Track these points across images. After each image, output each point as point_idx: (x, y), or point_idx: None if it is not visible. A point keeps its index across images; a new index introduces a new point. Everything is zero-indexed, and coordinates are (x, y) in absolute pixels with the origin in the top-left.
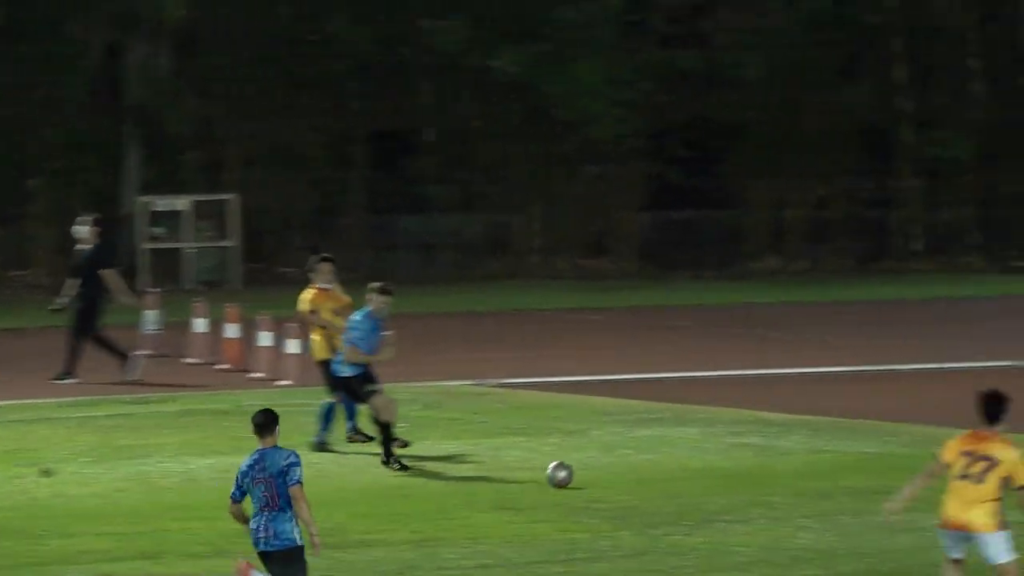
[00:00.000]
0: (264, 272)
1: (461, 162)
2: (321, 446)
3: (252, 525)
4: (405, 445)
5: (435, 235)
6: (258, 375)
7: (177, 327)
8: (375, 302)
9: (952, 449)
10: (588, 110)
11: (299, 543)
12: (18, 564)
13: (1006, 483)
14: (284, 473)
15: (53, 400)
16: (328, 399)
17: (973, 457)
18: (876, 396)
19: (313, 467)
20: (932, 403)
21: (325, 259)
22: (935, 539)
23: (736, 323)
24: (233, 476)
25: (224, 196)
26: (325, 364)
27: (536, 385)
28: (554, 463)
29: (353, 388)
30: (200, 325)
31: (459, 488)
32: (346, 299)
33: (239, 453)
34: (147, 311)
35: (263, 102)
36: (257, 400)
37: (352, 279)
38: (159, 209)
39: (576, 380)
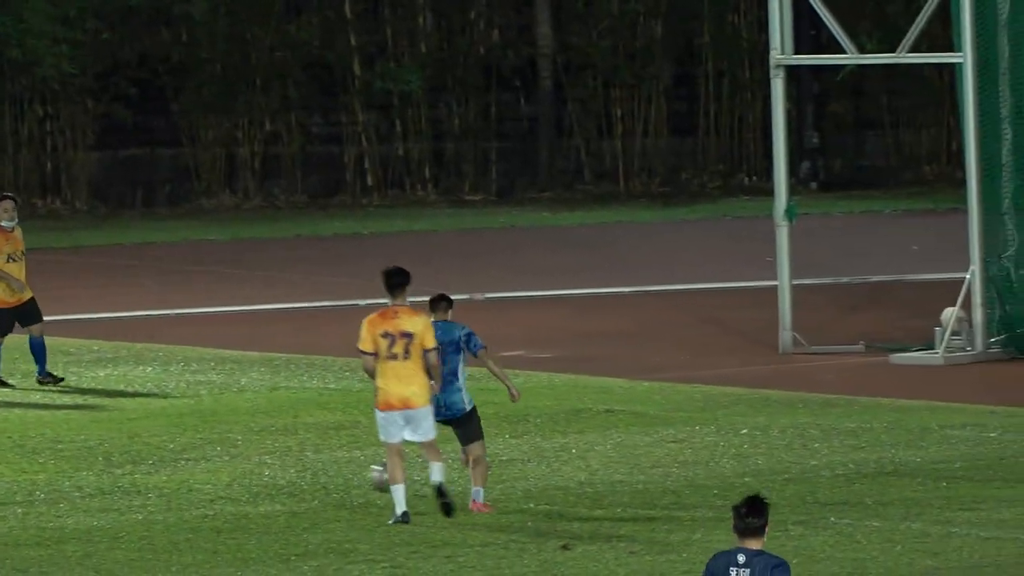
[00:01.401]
0: None
1: None
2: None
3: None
4: None
5: None
6: None
7: None
8: None
9: (370, 337)
10: (35, 50)
11: (469, 408)
12: None
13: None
14: (462, 342)
15: None
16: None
17: (393, 337)
18: (332, 332)
19: None
20: None
21: (5, 196)
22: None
23: (191, 261)
24: None
25: None
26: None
27: None
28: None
29: None
30: None
31: None
32: (23, 244)
33: None
34: None
35: None
36: None
37: None
38: None
39: None
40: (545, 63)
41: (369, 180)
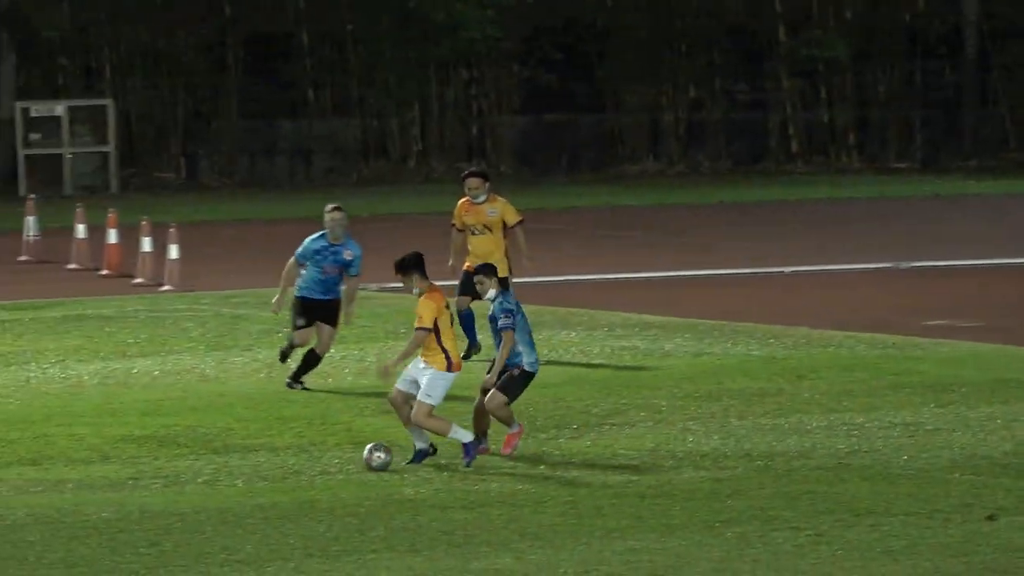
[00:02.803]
0: (140, 177)
1: (336, 66)
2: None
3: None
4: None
5: (311, 139)
6: (140, 280)
7: (58, 233)
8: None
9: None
10: (461, 13)
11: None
12: None
13: None
14: None
15: None
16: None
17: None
18: (757, 298)
19: (195, 372)
20: (813, 305)
21: (470, 174)
22: (825, 439)
23: (614, 226)
24: (115, 382)
25: (100, 101)
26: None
27: None
28: (371, 445)
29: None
30: (81, 231)
31: (342, 393)
32: (491, 218)
33: (123, 358)
34: (28, 217)
35: (138, 7)
36: (140, 306)
37: (227, 184)
38: (36, 115)
39: (455, 284)
40: (970, 31)
41: (793, 147)
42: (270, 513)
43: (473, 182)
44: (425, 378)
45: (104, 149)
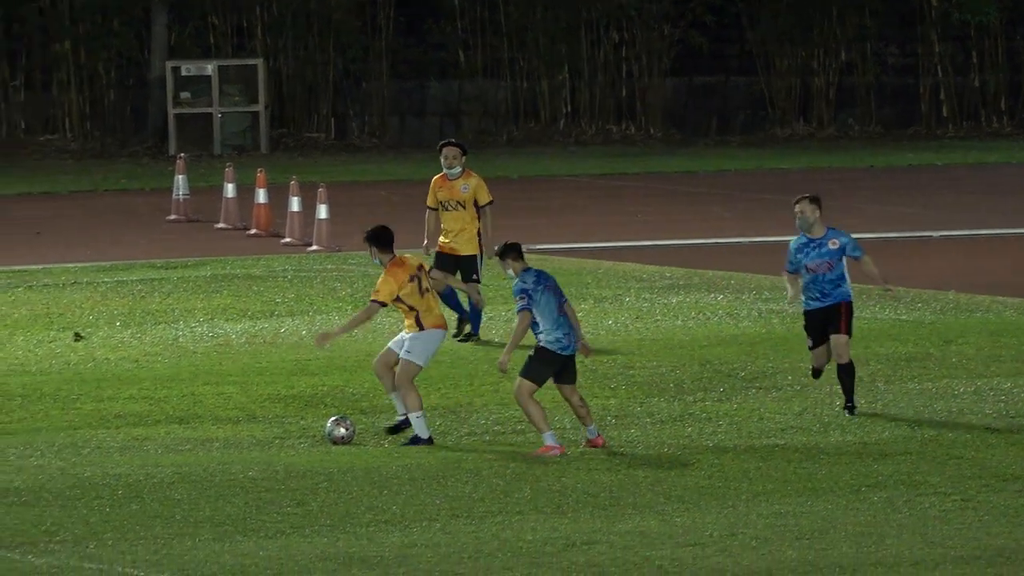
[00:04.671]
0: (290, 137)
1: (487, 28)
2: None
3: (562, 332)
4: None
5: (461, 100)
6: (288, 240)
7: (207, 192)
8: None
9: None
10: None
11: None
12: (52, 427)
13: None
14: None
15: (85, 265)
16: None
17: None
18: (906, 263)
19: None
20: (963, 270)
21: (447, 143)
22: (972, 404)
23: (763, 189)
24: (263, 341)
25: (251, 61)
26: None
27: (566, 251)
28: (333, 418)
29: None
30: (230, 190)
31: (488, 355)
32: (464, 194)
33: (271, 318)
34: (178, 176)
35: None
36: (289, 265)
37: (377, 145)
38: (187, 74)
39: (606, 246)
40: None
41: (944, 111)
42: (416, 474)
43: (450, 151)
44: (407, 340)
45: (254, 109)
